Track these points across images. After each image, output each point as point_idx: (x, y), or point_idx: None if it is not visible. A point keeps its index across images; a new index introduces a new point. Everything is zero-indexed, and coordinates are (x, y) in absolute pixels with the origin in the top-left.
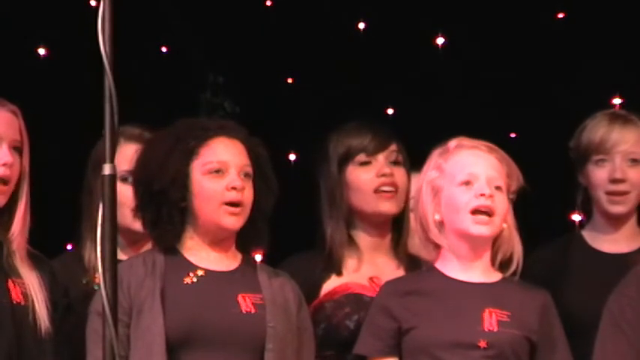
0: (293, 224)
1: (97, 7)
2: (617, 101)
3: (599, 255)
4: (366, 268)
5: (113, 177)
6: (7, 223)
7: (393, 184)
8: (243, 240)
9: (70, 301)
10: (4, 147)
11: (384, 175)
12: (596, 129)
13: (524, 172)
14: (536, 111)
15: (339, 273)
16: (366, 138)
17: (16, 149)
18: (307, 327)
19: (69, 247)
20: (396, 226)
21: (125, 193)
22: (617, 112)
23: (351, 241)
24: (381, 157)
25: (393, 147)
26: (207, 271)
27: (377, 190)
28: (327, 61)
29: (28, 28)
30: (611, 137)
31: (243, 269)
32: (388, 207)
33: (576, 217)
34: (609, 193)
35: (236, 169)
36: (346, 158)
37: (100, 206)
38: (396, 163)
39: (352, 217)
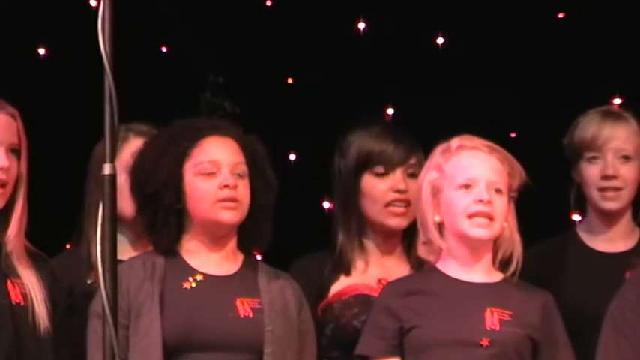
0: (293, 224)
1: (97, 7)
2: (617, 101)
3: (595, 253)
4: (375, 269)
5: (113, 177)
6: (4, 226)
7: (406, 201)
8: (245, 239)
9: (74, 300)
10: (1, 151)
11: (398, 191)
12: (588, 126)
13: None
14: (536, 111)
15: (348, 273)
16: (388, 148)
17: (14, 152)
18: (309, 329)
19: (68, 246)
20: (407, 233)
21: None
22: (610, 109)
23: (362, 246)
24: (398, 172)
25: (413, 160)
26: (206, 275)
27: (388, 204)
28: (327, 61)
29: (28, 28)
30: (602, 134)
31: (243, 272)
32: (397, 222)
33: (576, 218)
34: (602, 190)
35: (228, 167)
36: (364, 166)
37: (100, 206)
38: (412, 175)
39: (364, 224)
